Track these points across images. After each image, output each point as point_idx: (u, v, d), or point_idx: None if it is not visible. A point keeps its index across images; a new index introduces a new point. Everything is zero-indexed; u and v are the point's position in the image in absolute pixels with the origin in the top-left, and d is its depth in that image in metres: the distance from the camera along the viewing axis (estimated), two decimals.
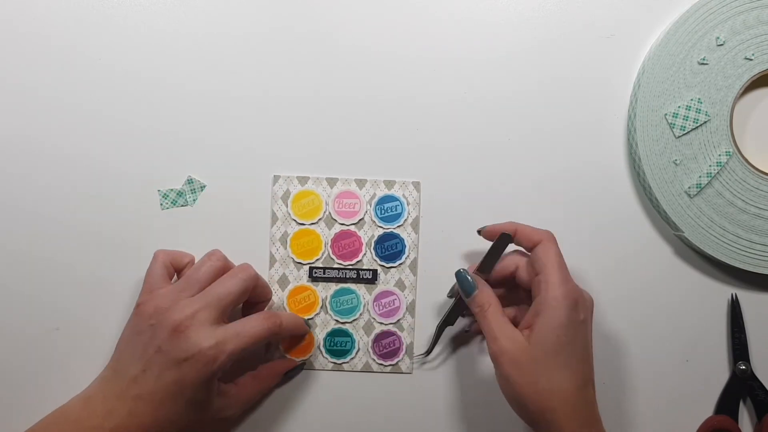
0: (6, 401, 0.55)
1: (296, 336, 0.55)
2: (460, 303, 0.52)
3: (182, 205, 0.56)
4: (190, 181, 0.55)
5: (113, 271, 0.55)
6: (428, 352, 0.55)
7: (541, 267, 0.48)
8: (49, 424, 0.47)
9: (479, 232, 0.52)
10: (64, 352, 0.55)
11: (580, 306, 0.47)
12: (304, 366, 0.55)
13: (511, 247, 0.51)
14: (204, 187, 0.56)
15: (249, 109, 0.56)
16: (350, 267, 0.55)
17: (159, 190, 0.55)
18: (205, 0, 0.56)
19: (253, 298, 0.52)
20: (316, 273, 0.55)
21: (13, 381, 0.55)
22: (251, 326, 0.48)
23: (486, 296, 0.49)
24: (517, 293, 0.52)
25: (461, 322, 0.55)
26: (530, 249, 0.50)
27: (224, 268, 0.51)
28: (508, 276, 0.51)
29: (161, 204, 0.56)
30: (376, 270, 0.55)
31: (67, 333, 0.55)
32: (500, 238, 0.51)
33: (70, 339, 0.55)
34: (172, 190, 0.55)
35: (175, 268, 0.52)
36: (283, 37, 0.56)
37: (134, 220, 0.55)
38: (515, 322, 0.48)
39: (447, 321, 0.53)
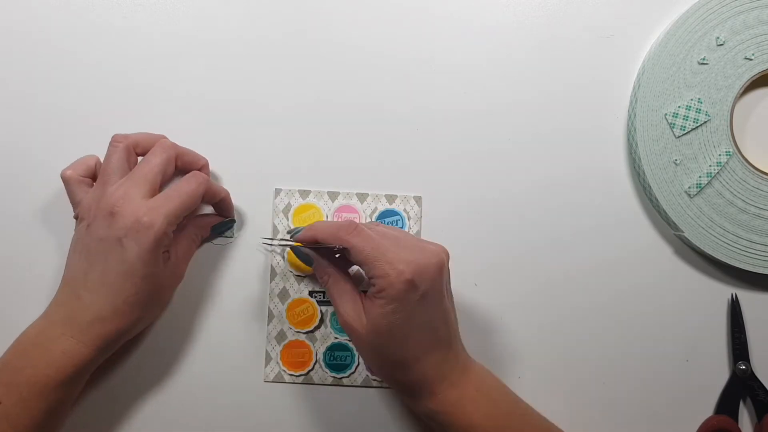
0: None
1: (297, 352, 0.55)
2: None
3: None
4: None
5: None
6: (271, 239, 0.55)
7: (361, 263, 0.45)
8: (11, 349, 0.47)
9: (289, 233, 0.52)
10: None
11: (416, 284, 0.44)
12: (234, 222, 0.55)
13: None
14: None
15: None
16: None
17: None
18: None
19: (184, 166, 0.52)
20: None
21: None
22: (180, 187, 0.49)
23: (321, 270, 0.49)
24: None
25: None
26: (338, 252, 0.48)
27: (133, 147, 0.51)
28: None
29: None
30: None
31: None
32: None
33: None
34: None
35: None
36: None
37: None
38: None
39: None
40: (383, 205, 0.56)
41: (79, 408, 0.54)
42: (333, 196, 0.56)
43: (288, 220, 0.55)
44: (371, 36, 0.56)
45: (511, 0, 0.56)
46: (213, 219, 0.55)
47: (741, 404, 0.55)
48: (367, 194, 0.56)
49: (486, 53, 0.56)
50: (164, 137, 0.52)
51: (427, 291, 0.45)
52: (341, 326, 0.48)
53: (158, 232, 0.46)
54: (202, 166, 0.53)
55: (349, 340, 0.55)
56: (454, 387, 0.47)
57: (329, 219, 0.55)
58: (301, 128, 0.56)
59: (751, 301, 0.55)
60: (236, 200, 0.55)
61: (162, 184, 0.50)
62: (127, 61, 0.56)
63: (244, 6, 0.56)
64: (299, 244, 0.50)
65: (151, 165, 0.49)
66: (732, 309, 0.55)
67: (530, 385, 0.55)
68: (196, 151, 0.53)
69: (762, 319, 0.55)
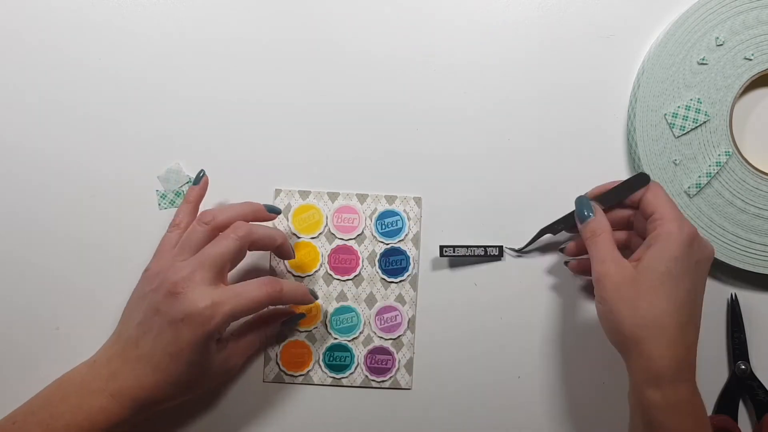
0: (6, 401, 0.55)
1: (297, 352, 0.55)
2: (569, 219, 0.52)
3: None
4: (189, 182, 0.55)
5: (112, 270, 0.55)
6: (522, 249, 0.55)
7: (655, 207, 0.47)
8: (54, 389, 0.47)
9: (581, 200, 0.51)
10: (64, 352, 0.55)
11: (696, 246, 0.46)
12: (304, 316, 0.55)
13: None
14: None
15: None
16: (476, 246, 0.54)
17: (157, 191, 0.56)
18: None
19: (259, 248, 0.51)
20: (446, 251, 0.54)
21: (14, 381, 0.55)
22: (250, 290, 0.48)
23: (600, 223, 0.49)
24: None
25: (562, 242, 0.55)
26: (639, 201, 0.49)
27: (218, 228, 0.50)
28: (624, 220, 0.51)
29: (159, 204, 0.56)
30: (502, 246, 0.55)
31: (67, 333, 0.55)
32: (635, 177, 0.50)
33: (70, 339, 0.55)
34: (171, 191, 0.56)
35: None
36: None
37: (133, 222, 0.56)
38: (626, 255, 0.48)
39: (550, 228, 0.54)
40: (383, 206, 0.56)
41: None
42: (333, 196, 0.56)
43: (288, 220, 0.55)
44: (371, 37, 0.56)
45: (511, 0, 0.56)
46: (282, 312, 0.54)
47: (740, 404, 0.55)
48: (367, 195, 0.56)
49: (486, 53, 0.56)
50: (242, 223, 0.49)
51: (700, 262, 0.46)
52: (597, 276, 0.46)
53: (215, 327, 0.46)
54: (279, 245, 0.51)
55: (351, 341, 0.55)
56: (689, 385, 0.45)
57: (329, 220, 0.55)
58: (301, 129, 0.56)
59: (750, 300, 0.55)
60: (236, 201, 0.55)
61: (231, 269, 0.50)
62: (129, 60, 0.56)
63: (244, 7, 0.56)
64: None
65: (222, 251, 0.48)
66: (732, 309, 0.55)
67: (530, 385, 0.55)
68: (270, 228, 0.51)
69: (761, 318, 0.55)
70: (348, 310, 0.55)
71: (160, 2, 0.56)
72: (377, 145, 0.56)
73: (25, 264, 0.55)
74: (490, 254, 0.55)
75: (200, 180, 0.53)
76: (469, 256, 0.55)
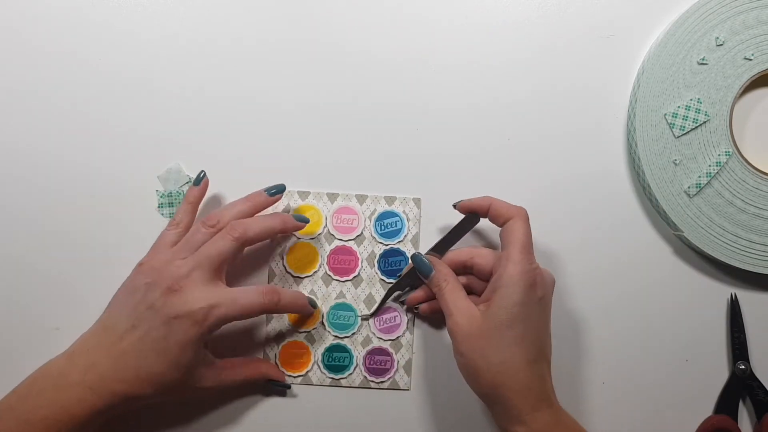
0: None
1: (296, 353, 0.55)
2: (412, 274, 0.53)
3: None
4: (189, 182, 0.55)
5: (112, 270, 0.55)
6: (373, 313, 0.55)
7: (506, 244, 0.48)
8: (31, 382, 0.47)
9: (455, 206, 0.52)
10: None
11: (539, 284, 0.47)
12: (289, 387, 0.54)
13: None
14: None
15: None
16: None
17: (157, 191, 0.56)
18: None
19: (262, 240, 0.51)
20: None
21: (14, 381, 0.55)
22: (248, 297, 0.48)
23: (442, 275, 0.50)
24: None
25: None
26: (502, 225, 0.50)
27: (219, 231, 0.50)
28: (460, 264, 0.52)
29: (159, 206, 0.56)
30: None
31: (67, 333, 0.55)
32: (466, 219, 0.52)
33: (70, 339, 0.55)
34: (171, 192, 0.56)
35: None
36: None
37: (132, 222, 0.55)
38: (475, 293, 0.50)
39: (398, 286, 0.54)
40: (382, 207, 0.56)
41: None
42: (332, 197, 0.56)
43: None
44: (370, 37, 0.56)
45: (511, 0, 0.56)
46: (274, 372, 0.54)
47: (740, 404, 0.55)
48: (367, 196, 0.56)
49: (486, 53, 0.56)
50: (237, 223, 0.50)
51: (544, 297, 0.48)
52: (450, 331, 0.48)
53: (207, 329, 0.47)
54: (280, 231, 0.52)
55: (346, 337, 0.55)
56: (550, 410, 0.46)
57: (328, 220, 0.55)
58: (300, 129, 0.56)
59: (750, 300, 0.55)
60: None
61: (228, 266, 0.50)
62: (129, 60, 0.56)
63: (244, 7, 0.56)
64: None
65: (220, 250, 0.48)
66: (731, 309, 0.55)
67: None
68: (266, 218, 0.51)
69: (762, 318, 0.55)
70: (346, 308, 0.55)
71: (160, 2, 0.56)
72: (377, 146, 0.56)
73: (24, 264, 0.55)
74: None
75: (200, 181, 0.53)
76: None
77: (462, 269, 0.52)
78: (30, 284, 0.55)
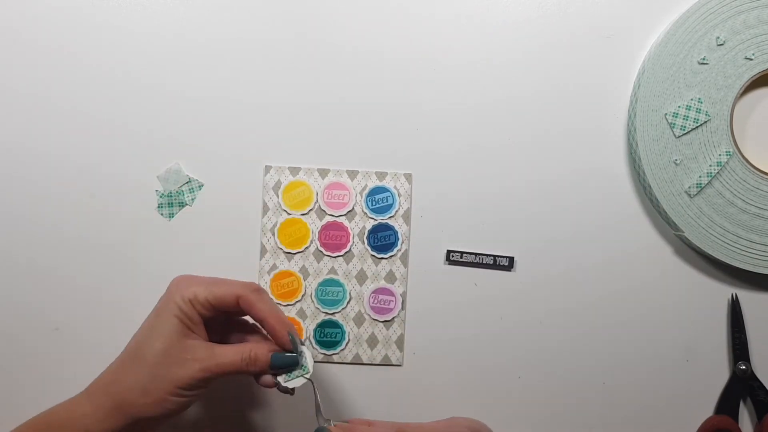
0: (6, 401, 0.55)
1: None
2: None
3: (180, 205, 0.56)
4: (189, 181, 0.55)
5: (111, 270, 0.55)
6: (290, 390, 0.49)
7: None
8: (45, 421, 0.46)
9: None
10: (64, 352, 0.55)
11: None
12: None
13: None
14: (202, 186, 0.56)
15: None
16: (485, 254, 0.55)
17: (157, 191, 0.56)
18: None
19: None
20: (453, 256, 0.55)
21: (14, 381, 0.55)
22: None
23: None
24: None
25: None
26: None
27: None
28: None
29: (159, 204, 0.56)
30: (513, 258, 0.55)
31: (67, 333, 0.55)
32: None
33: (70, 339, 0.55)
34: (171, 192, 0.56)
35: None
36: (276, 29, 0.56)
37: (132, 222, 0.56)
38: None
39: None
40: (373, 182, 0.56)
41: None
42: (323, 173, 0.56)
43: (278, 197, 0.55)
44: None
45: (511, 0, 0.56)
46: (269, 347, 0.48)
47: (741, 404, 0.55)
48: (358, 171, 0.56)
49: (486, 53, 0.56)
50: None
51: None
52: None
53: (180, 299, 0.46)
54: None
55: (337, 313, 0.55)
56: None
57: (319, 196, 0.55)
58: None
59: (751, 301, 0.55)
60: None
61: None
62: (129, 60, 0.56)
63: (243, 7, 0.56)
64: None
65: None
66: (732, 309, 0.55)
67: (530, 385, 0.55)
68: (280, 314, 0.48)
69: (762, 319, 0.55)
70: (335, 283, 0.55)
71: (160, 2, 0.56)
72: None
73: (24, 264, 0.55)
74: (500, 264, 0.55)
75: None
76: (477, 263, 0.55)
77: None
78: (30, 284, 0.55)
